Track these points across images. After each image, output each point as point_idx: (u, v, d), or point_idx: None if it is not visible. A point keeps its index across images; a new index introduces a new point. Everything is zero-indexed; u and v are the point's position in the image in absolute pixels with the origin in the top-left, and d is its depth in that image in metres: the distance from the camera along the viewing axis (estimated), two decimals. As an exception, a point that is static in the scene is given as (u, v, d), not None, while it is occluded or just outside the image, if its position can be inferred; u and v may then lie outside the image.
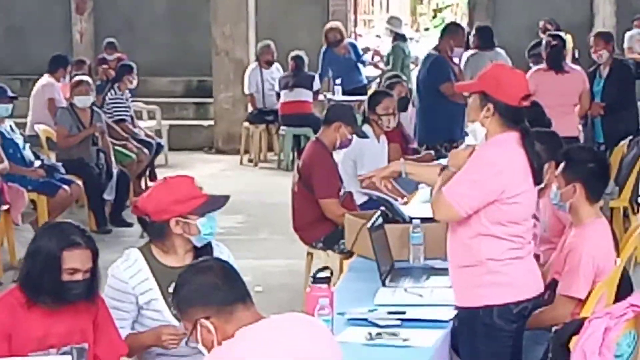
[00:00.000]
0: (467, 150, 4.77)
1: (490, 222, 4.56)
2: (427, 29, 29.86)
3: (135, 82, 12.49)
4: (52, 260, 4.06)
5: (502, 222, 4.56)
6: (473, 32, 12.26)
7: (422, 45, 18.87)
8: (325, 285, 4.51)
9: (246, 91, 14.20)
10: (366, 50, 16.26)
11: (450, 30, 10.67)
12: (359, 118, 8.32)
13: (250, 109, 14.32)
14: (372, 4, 32.83)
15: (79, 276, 4.09)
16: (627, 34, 15.60)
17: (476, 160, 4.65)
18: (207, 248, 4.58)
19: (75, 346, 4.13)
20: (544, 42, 10.40)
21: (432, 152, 9.44)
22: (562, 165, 5.23)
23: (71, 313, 4.16)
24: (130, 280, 4.47)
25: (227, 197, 4.62)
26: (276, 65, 14.21)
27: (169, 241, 4.53)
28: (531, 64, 11.10)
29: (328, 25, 14.75)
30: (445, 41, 10.35)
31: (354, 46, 14.91)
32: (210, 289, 3.42)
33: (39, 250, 4.10)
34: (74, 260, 4.08)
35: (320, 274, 4.55)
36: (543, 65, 9.94)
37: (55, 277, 4.06)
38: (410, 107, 10.45)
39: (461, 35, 10.69)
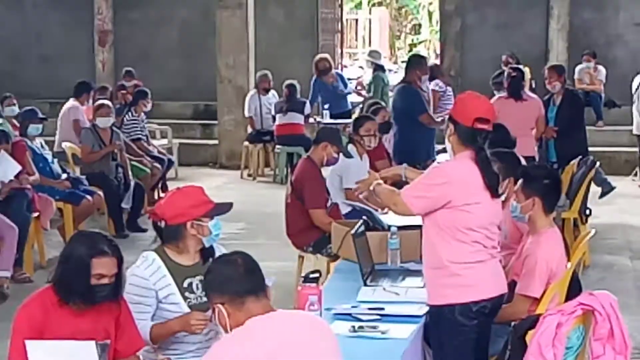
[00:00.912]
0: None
1: (447, 227, 4.58)
2: (404, 62, 29.90)
3: (149, 106, 12.47)
4: (83, 266, 4.04)
5: (459, 228, 4.57)
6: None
7: (399, 75, 18.87)
8: (314, 284, 4.52)
9: (246, 114, 14.18)
10: (351, 81, 16.26)
11: (416, 62, 10.54)
12: (345, 139, 8.34)
13: (249, 130, 14.31)
14: (356, 39, 32.89)
15: (105, 280, 4.07)
16: (577, 67, 15.65)
17: (432, 170, 4.75)
18: (211, 250, 4.60)
19: (99, 342, 4.10)
20: (505, 73, 10.43)
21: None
22: (520, 181, 5.24)
23: (96, 313, 4.14)
24: (150, 277, 4.48)
25: (231, 204, 4.67)
26: (272, 92, 14.20)
27: (182, 242, 4.54)
28: (494, 91, 11.14)
29: (318, 56, 14.75)
30: (412, 73, 10.24)
31: (340, 76, 14.91)
32: (226, 280, 3.48)
33: (72, 256, 4.09)
34: (101, 267, 4.06)
35: (311, 276, 4.56)
36: (504, 94, 9.96)
37: (84, 281, 4.04)
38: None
39: (425, 65, 10.62)
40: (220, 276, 3.51)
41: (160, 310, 4.51)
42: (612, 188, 10.04)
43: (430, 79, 14.53)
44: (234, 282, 3.45)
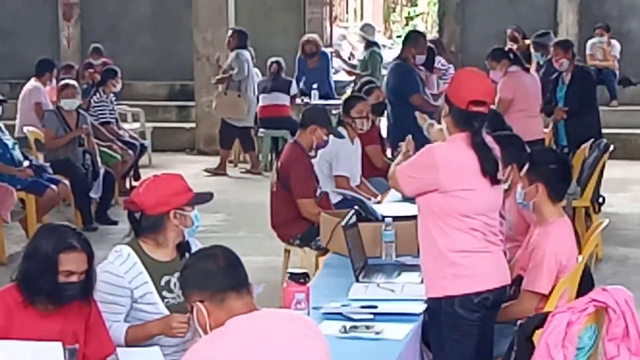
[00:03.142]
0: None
1: (442, 214, 4.65)
2: (399, 36, 29.86)
3: (119, 86, 12.44)
4: (49, 262, 4.03)
5: (452, 215, 4.64)
6: (230, 33, 13.30)
7: (394, 51, 18.90)
8: (302, 281, 4.53)
9: (226, 95, 14.17)
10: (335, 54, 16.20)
11: (411, 39, 10.64)
12: (334, 119, 8.34)
13: (230, 112, 14.28)
14: (347, 12, 32.85)
15: (74, 278, 4.07)
16: (589, 42, 15.68)
17: (424, 150, 4.78)
18: (187, 245, 4.62)
19: (67, 347, 4.07)
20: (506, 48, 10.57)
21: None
22: (526, 166, 5.27)
23: (65, 315, 4.13)
24: (125, 275, 4.47)
25: (211, 194, 4.70)
26: (255, 70, 14.19)
27: (162, 234, 4.54)
28: (535, 53, 11.39)
29: (305, 37, 14.71)
30: (407, 50, 10.34)
31: (326, 56, 14.89)
32: (205, 275, 3.48)
33: (37, 251, 4.08)
34: (70, 263, 4.05)
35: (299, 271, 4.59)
36: (514, 68, 9.94)
37: (51, 278, 4.03)
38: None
39: (422, 43, 10.64)
40: (198, 271, 3.51)
41: (134, 311, 4.50)
42: None
43: None
44: (214, 277, 3.46)
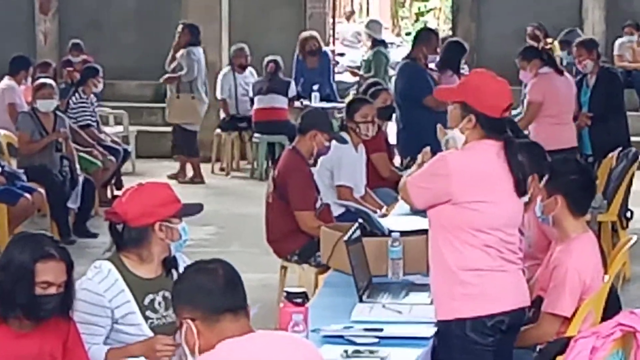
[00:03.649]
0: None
1: (453, 228, 4.66)
2: (408, 34, 29.89)
3: (100, 86, 12.47)
4: (25, 272, 4.03)
5: (464, 229, 4.65)
6: (180, 28, 13.38)
7: (403, 50, 18.93)
8: (300, 301, 4.53)
9: (218, 96, 14.19)
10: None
11: (423, 37, 10.68)
12: (336, 123, 8.36)
13: (222, 115, 14.32)
14: (352, 6, 32.88)
15: (52, 290, 4.07)
16: (617, 41, 15.68)
17: (436, 159, 4.80)
18: (174, 260, 4.62)
19: None
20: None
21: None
22: (546, 177, 5.28)
23: (41, 334, 4.12)
24: (105, 293, 4.48)
25: (201, 205, 4.73)
26: (250, 69, 14.22)
27: (146, 249, 4.55)
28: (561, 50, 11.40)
29: (305, 34, 14.74)
30: (418, 49, 10.37)
31: (327, 55, 14.92)
32: (202, 292, 3.46)
33: (11, 262, 4.07)
34: (48, 273, 4.05)
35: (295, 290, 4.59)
36: (546, 69, 9.87)
37: (27, 290, 4.03)
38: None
39: (434, 42, 10.66)
40: (195, 287, 3.49)
41: (115, 333, 4.51)
42: None
43: None
44: (211, 295, 3.44)
